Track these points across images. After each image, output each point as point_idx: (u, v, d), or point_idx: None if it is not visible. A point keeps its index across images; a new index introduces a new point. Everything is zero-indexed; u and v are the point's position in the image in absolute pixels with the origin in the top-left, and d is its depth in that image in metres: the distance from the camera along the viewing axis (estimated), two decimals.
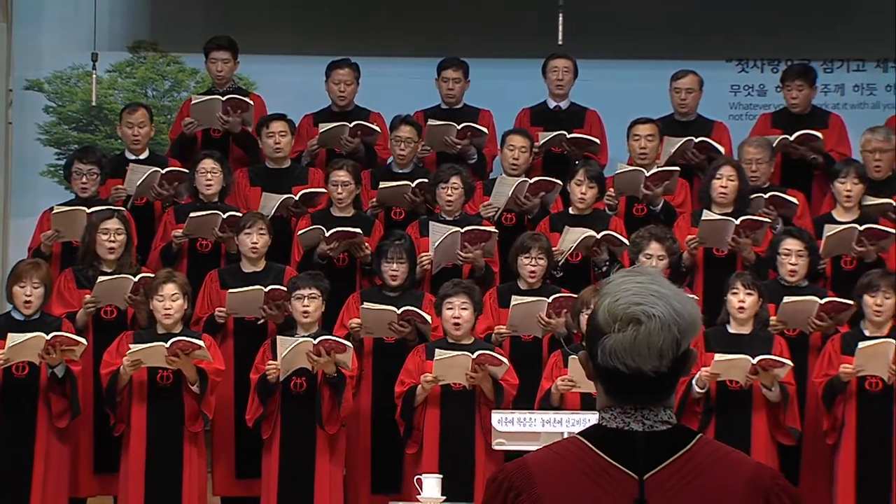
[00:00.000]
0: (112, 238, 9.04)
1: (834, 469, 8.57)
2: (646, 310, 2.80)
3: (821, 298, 8.79)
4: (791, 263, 8.94)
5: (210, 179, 9.59)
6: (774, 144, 10.01)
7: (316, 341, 8.35)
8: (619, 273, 2.90)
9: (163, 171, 9.77)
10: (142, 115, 10.13)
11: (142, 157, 10.11)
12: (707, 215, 9.33)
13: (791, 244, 8.98)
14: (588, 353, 2.88)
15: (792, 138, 10.12)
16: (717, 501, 2.82)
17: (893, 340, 8.34)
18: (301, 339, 8.42)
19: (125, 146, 10.27)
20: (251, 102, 10.34)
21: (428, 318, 8.72)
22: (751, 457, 2.95)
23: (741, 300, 8.55)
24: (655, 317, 2.79)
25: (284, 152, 10.03)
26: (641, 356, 2.80)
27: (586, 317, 8.26)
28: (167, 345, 8.31)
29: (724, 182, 9.50)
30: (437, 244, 9.21)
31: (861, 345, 8.34)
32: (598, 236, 9.26)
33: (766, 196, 9.61)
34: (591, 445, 2.85)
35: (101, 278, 8.87)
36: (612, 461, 2.83)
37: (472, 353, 8.31)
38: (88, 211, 9.35)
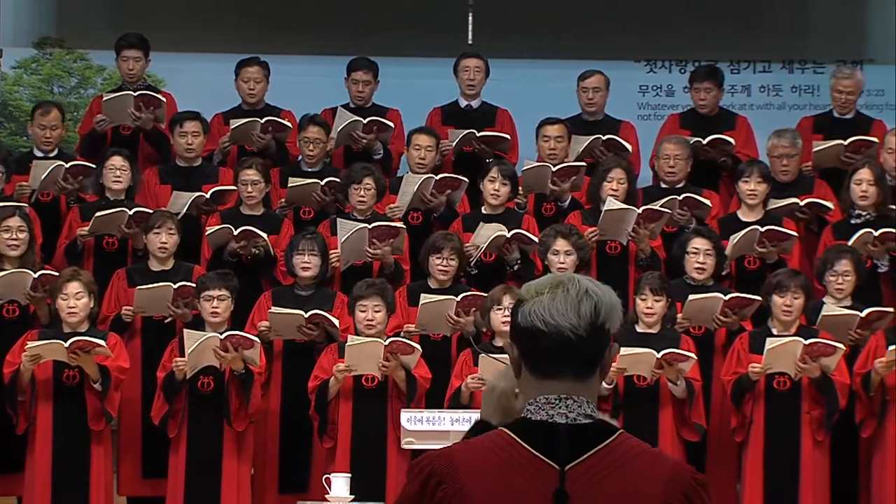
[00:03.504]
0: (14, 236, 8.92)
1: (742, 467, 8.64)
2: (570, 277, 2.91)
3: (725, 296, 8.87)
4: (699, 262, 9.02)
5: (119, 177, 9.51)
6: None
7: (223, 337, 8.30)
8: None
9: (67, 165, 9.67)
10: (55, 118, 10.03)
11: (50, 155, 9.99)
12: (611, 204, 9.36)
13: (699, 243, 9.06)
14: (511, 339, 2.93)
15: (705, 142, 10.19)
16: (636, 493, 2.85)
17: (802, 339, 8.41)
18: (208, 335, 8.35)
19: (34, 144, 10.15)
20: (163, 99, 10.26)
21: (336, 321, 8.69)
22: (669, 455, 2.99)
23: (649, 307, 8.63)
24: (577, 281, 2.90)
25: (196, 152, 9.98)
26: (560, 313, 2.85)
27: (496, 314, 8.31)
28: (66, 344, 8.21)
29: (614, 185, 9.55)
30: (343, 240, 9.18)
31: (769, 344, 8.41)
32: (509, 235, 9.28)
33: (681, 197, 9.68)
34: (515, 437, 2.88)
35: None
36: (534, 452, 2.86)
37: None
38: None
